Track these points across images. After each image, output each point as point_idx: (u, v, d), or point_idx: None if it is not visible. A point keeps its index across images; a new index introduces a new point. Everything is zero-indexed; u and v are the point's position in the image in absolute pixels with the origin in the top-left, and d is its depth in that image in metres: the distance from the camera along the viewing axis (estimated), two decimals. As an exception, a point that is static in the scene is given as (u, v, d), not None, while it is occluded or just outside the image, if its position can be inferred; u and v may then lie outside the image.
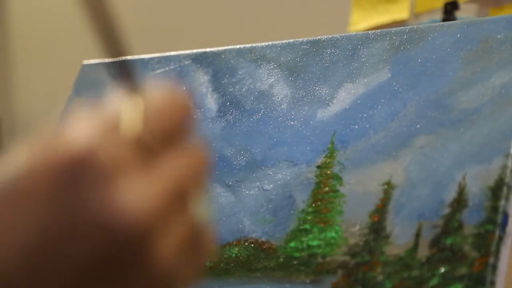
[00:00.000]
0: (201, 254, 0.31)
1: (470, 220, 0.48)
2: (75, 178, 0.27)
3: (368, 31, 0.62)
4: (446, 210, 0.49)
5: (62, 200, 0.27)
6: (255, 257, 0.55)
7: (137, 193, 0.28)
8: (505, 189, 0.48)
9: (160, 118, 0.30)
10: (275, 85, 0.63)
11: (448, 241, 0.48)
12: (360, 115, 0.57)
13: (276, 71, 0.64)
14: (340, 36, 0.63)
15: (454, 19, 1.05)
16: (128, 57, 0.32)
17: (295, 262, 0.53)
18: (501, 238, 0.47)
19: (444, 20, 1.06)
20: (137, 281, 0.28)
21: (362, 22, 1.16)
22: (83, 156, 0.28)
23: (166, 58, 0.68)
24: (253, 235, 0.56)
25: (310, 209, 0.55)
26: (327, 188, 0.55)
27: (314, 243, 0.53)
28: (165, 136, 0.30)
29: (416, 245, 0.49)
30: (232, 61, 0.66)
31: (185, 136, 0.31)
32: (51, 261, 0.27)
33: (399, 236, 0.50)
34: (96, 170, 0.27)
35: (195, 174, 0.31)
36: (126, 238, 0.28)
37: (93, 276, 0.28)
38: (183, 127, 0.31)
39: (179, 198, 0.30)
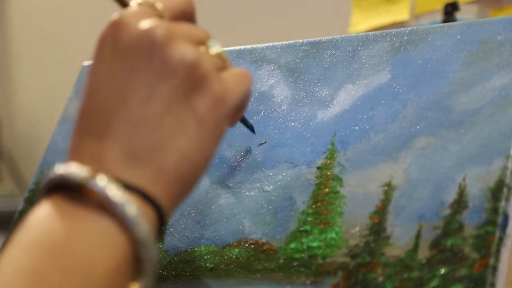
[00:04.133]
0: (225, 114, 0.45)
1: (470, 221, 0.48)
2: (154, 45, 0.44)
3: (368, 32, 0.62)
4: (446, 212, 0.49)
5: (156, 58, 0.44)
6: (255, 258, 0.55)
7: (188, 49, 0.44)
8: (505, 190, 0.48)
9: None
10: (275, 86, 0.63)
11: (448, 242, 0.48)
12: (360, 116, 0.57)
13: (276, 72, 0.64)
14: (340, 37, 0.63)
15: (454, 20, 1.04)
16: None
17: (295, 264, 0.53)
18: (501, 240, 0.47)
19: (444, 21, 1.06)
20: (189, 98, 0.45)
21: (362, 23, 1.16)
22: (154, 33, 0.44)
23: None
24: (253, 237, 0.56)
25: (310, 210, 0.55)
26: (327, 189, 0.55)
27: (314, 244, 0.53)
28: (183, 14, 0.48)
29: (416, 246, 0.49)
30: (232, 62, 0.66)
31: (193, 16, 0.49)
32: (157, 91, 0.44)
33: (400, 237, 0.50)
34: (161, 39, 0.44)
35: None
36: (186, 71, 0.44)
37: (178, 95, 0.44)
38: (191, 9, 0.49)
39: (219, 59, 0.47)
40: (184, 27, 0.46)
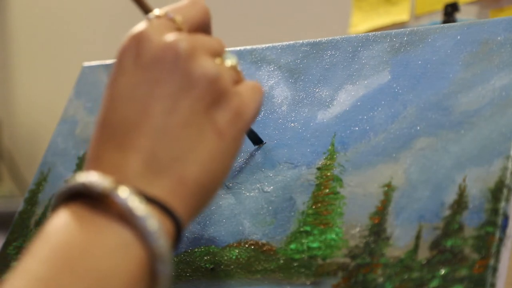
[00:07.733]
0: (244, 128, 0.46)
1: (471, 222, 0.48)
2: (178, 58, 0.44)
3: (368, 33, 0.62)
4: (447, 212, 0.49)
5: (179, 72, 0.44)
6: (255, 259, 0.55)
7: (209, 64, 0.45)
8: (505, 191, 0.48)
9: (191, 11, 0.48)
10: (275, 87, 0.63)
11: (449, 243, 0.48)
12: (360, 117, 0.57)
13: (276, 73, 0.64)
14: (340, 38, 0.63)
15: (454, 21, 1.04)
16: None
17: (295, 264, 0.53)
18: (501, 240, 0.47)
19: (444, 22, 1.05)
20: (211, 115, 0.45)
21: (362, 24, 1.16)
22: (178, 47, 0.45)
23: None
24: (253, 237, 0.56)
25: (310, 211, 0.55)
26: (327, 190, 0.55)
27: (314, 245, 0.53)
28: (198, 24, 0.48)
29: (416, 247, 0.49)
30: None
31: (209, 26, 0.49)
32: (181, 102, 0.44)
33: (400, 238, 0.50)
34: (185, 53, 0.45)
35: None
36: (207, 85, 0.45)
37: (199, 108, 0.45)
38: (207, 19, 0.49)
39: (234, 72, 0.47)
40: (204, 40, 0.47)
